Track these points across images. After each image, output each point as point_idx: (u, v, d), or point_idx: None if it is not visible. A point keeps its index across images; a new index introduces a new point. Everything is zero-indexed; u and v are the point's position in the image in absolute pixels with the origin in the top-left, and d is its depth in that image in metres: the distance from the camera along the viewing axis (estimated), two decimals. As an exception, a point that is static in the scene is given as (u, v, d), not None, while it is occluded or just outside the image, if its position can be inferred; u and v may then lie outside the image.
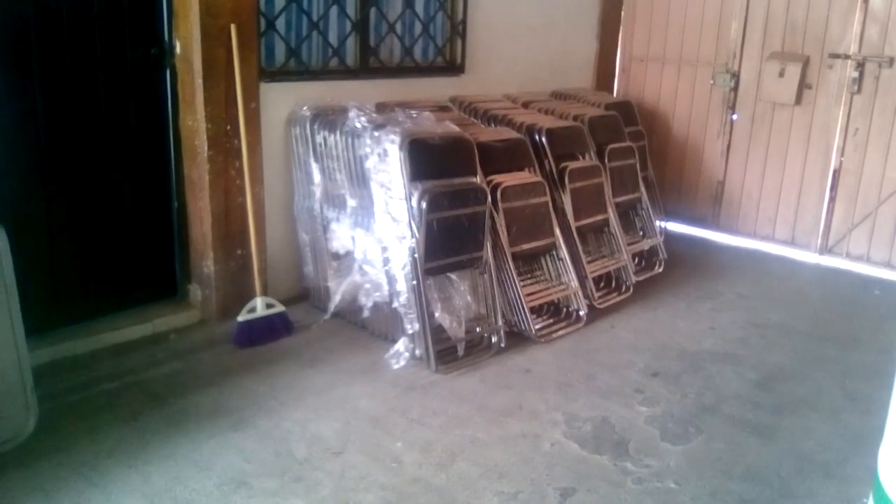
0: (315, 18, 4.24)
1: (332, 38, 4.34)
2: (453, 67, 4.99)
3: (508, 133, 4.32)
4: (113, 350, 3.61)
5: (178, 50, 3.75)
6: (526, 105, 5.06)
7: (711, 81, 5.87)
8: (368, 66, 4.50)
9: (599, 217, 4.58)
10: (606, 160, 4.72)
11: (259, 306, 3.82)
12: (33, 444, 2.81)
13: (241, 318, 3.74)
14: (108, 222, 3.72)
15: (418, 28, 4.77)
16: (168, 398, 3.21)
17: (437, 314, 3.62)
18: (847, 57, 5.21)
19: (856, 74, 5.17)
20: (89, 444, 2.85)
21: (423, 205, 3.51)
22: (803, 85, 5.42)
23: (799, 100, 5.45)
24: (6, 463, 2.70)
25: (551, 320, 4.14)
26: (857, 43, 5.16)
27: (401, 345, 3.63)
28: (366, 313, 3.87)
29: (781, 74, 5.46)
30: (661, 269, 5.05)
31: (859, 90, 5.19)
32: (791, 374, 3.71)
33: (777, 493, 2.74)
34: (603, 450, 2.97)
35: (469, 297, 3.76)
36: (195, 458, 2.80)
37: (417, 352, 3.60)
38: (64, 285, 3.60)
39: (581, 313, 4.17)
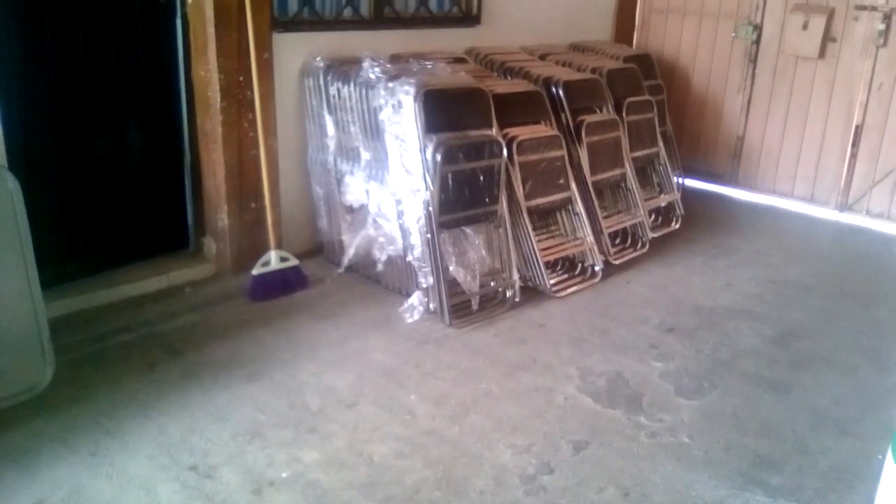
0: (328, -34, 4.16)
1: (346, -13, 4.26)
2: (469, 18, 4.89)
3: (525, 85, 4.26)
4: (129, 302, 3.63)
5: (189, -2, 3.70)
6: (543, 57, 4.97)
7: (733, 34, 5.74)
8: (383, 17, 4.41)
9: (616, 172, 4.53)
10: (624, 114, 4.64)
11: (273, 260, 3.81)
12: (51, 394, 2.84)
13: (255, 272, 3.74)
14: (120, 174, 3.70)
15: (434, -23, 4.68)
16: (184, 350, 3.23)
17: (451, 268, 3.60)
18: (874, 9, 5.06)
19: (882, 27, 5.03)
20: (106, 394, 2.88)
21: (438, 157, 3.47)
22: (827, 38, 5.29)
23: (822, 53, 5.32)
24: (25, 413, 2.73)
25: (566, 275, 4.11)
26: (884, -7, 5.03)
27: (415, 298, 3.62)
28: (380, 267, 3.86)
29: (805, 27, 5.33)
30: (677, 226, 5.00)
31: (885, 43, 5.05)
32: (808, 331, 3.67)
33: (792, 449, 2.73)
34: (616, 404, 2.96)
35: (484, 252, 3.74)
36: (210, 408, 2.82)
37: (431, 306, 3.60)
38: (77, 238, 3.60)
39: (596, 269, 4.14)
